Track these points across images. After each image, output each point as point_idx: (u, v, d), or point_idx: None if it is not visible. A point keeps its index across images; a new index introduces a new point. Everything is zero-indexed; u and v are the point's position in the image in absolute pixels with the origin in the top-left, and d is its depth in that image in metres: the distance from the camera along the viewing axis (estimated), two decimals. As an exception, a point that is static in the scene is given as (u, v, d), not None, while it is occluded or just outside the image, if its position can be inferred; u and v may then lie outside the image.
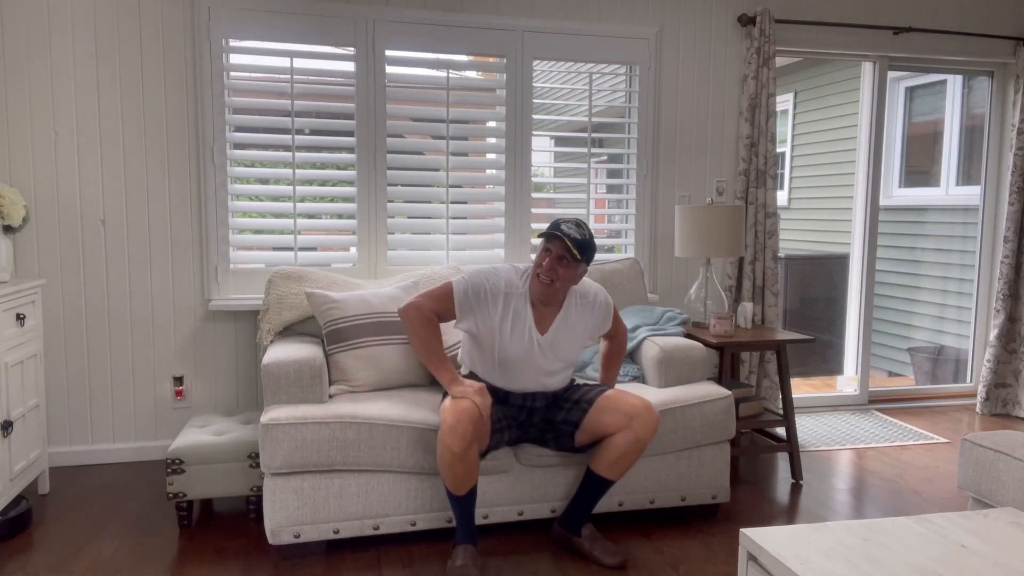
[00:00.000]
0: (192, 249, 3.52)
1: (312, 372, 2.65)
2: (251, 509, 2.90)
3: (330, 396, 2.78)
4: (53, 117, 3.32)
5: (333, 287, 3.16)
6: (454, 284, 2.52)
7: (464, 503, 2.46)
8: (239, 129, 3.62)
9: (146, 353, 3.52)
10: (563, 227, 2.47)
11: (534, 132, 3.86)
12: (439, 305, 2.51)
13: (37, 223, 3.35)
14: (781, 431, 3.85)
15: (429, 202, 3.84)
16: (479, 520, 2.71)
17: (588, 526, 2.65)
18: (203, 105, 3.44)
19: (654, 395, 2.86)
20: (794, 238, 7.07)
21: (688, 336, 3.40)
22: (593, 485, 2.60)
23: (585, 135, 3.94)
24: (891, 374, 6.16)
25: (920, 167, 6.14)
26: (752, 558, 1.77)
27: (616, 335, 2.79)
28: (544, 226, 3.16)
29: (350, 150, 3.63)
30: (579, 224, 2.50)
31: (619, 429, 2.53)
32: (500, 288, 2.52)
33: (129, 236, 3.45)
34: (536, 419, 2.67)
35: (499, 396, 2.62)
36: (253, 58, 3.65)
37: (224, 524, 2.88)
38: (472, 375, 2.67)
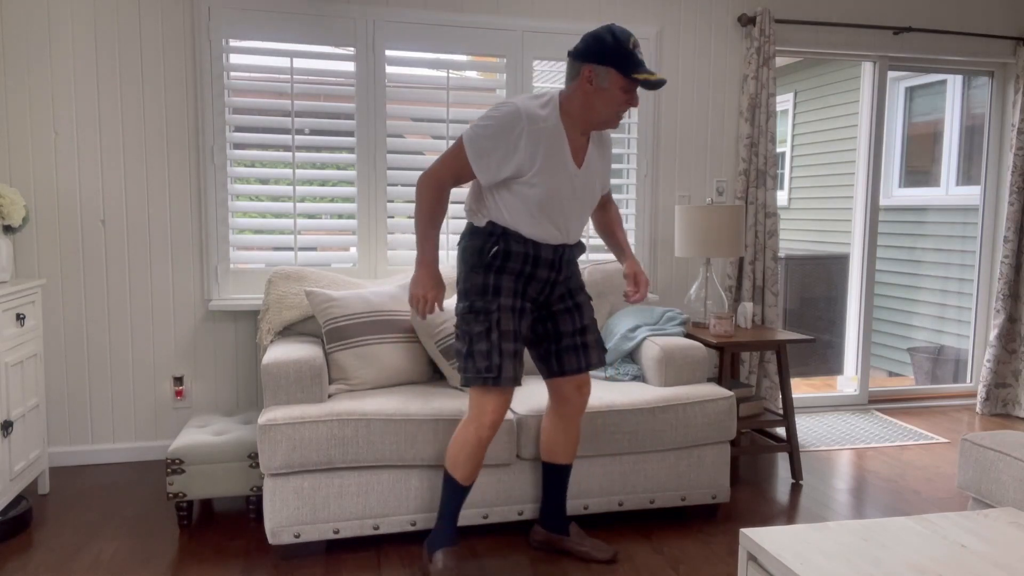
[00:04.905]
0: (192, 249, 3.52)
1: (312, 372, 2.65)
2: (251, 509, 2.90)
3: (329, 395, 2.78)
4: (53, 117, 3.32)
5: (333, 287, 3.16)
6: (466, 146, 2.29)
7: (463, 496, 2.44)
8: (239, 129, 3.62)
9: (146, 353, 3.52)
10: (640, 57, 2.26)
11: (534, 132, 3.86)
12: (456, 168, 2.32)
13: (37, 223, 3.35)
14: (781, 431, 3.86)
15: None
16: (479, 520, 2.71)
17: (573, 524, 2.66)
18: (203, 105, 3.44)
19: (655, 394, 2.86)
20: (794, 238, 7.07)
21: (688, 336, 3.40)
22: (555, 475, 2.61)
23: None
24: (891, 374, 6.17)
25: (920, 167, 6.14)
26: (752, 558, 1.77)
27: (610, 196, 2.67)
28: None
29: (350, 150, 3.64)
30: (632, 38, 2.28)
31: (556, 402, 2.55)
32: (521, 128, 2.25)
33: (129, 236, 3.45)
34: (551, 295, 2.49)
35: (529, 260, 2.37)
36: (253, 58, 3.65)
37: (224, 524, 2.88)
38: (492, 225, 2.38)
